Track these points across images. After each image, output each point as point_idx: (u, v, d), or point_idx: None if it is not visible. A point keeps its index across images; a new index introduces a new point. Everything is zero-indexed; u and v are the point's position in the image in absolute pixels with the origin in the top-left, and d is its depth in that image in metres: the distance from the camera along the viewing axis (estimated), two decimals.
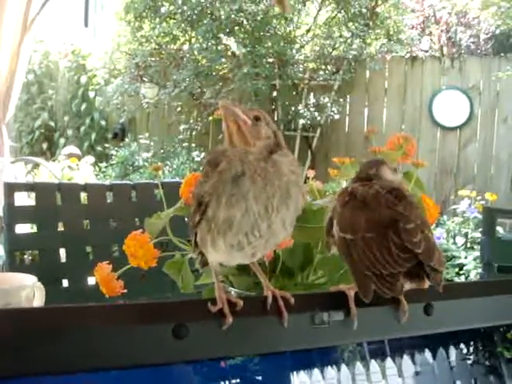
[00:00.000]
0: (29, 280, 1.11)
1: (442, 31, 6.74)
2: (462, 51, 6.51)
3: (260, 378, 0.76)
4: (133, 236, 0.99)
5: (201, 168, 0.76)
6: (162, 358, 0.67)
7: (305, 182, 1.01)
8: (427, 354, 0.88)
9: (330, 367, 0.80)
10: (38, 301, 1.11)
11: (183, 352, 0.67)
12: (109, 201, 2.01)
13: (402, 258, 0.75)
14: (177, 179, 4.79)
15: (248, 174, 0.70)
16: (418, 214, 0.80)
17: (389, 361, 0.84)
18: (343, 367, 0.81)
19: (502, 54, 6.32)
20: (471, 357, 0.92)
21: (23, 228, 2.05)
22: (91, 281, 1.86)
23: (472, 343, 0.93)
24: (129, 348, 0.65)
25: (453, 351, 0.90)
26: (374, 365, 0.83)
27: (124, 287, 1.00)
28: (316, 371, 0.79)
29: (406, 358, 0.86)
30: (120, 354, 0.64)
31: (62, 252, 1.88)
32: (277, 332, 0.73)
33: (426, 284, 0.78)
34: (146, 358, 0.66)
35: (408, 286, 0.77)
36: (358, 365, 0.82)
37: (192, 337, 0.67)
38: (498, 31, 6.50)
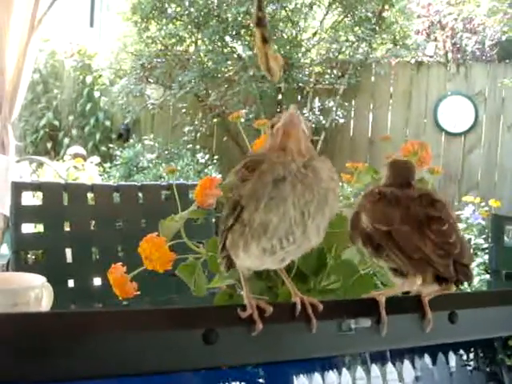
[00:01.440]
0: (37, 280, 1.10)
1: (447, 37, 6.74)
2: (468, 57, 6.51)
3: (260, 380, 0.77)
4: (149, 238, 0.97)
5: (232, 173, 0.75)
6: (191, 363, 0.68)
7: None
8: (427, 359, 0.88)
9: (331, 371, 0.80)
10: (46, 301, 1.10)
11: (213, 357, 0.68)
12: (115, 202, 1.99)
13: (438, 254, 0.77)
14: (181, 181, 4.80)
15: (289, 178, 0.70)
16: (449, 213, 0.83)
17: (389, 365, 0.85)
18: (344, 371, 0.81)
19: (508, 61, 6.31)
20: (472, 363, 0.93)
21: (29, 228, 2.05)
22: (97, 281, 1.87)
23: (473, 349, 0.93)
24: (158, 353, 0.65)
25: (453, 357, 0.90)
26: (374, 369, 0.83)
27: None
28: (317, 375, 0.79)
29: (407, 363, 0.86)
30: (149, 359, 0.64)
31: (68, 252, 1.87)
32: (304, 338, 0.74)
33: (454, 286, 0.80)
34: (176, 364, 0.66)
35: (437, 287, 0.79)
36: (359, 369, 0.82)
37: (222, 342, 0.67)
38: (503, 38, 6.49)
